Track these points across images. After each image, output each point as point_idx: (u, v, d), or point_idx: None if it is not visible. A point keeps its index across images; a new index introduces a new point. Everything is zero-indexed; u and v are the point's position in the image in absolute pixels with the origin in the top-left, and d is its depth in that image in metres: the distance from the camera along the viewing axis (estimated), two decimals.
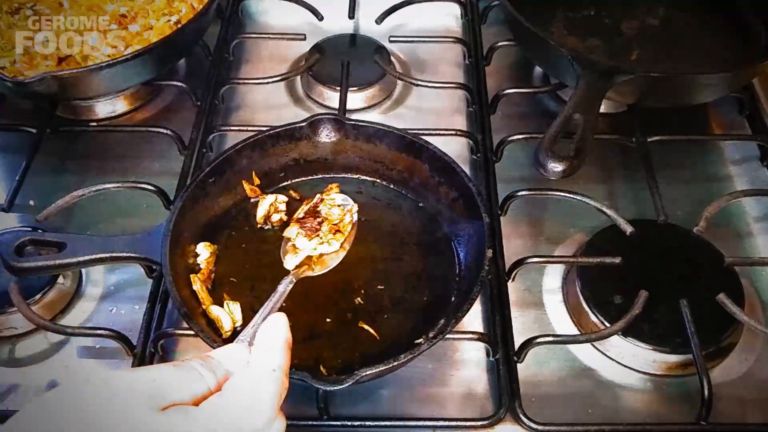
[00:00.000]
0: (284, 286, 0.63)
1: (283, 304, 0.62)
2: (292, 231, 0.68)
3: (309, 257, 0.69)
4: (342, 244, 0.70)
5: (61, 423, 0.41)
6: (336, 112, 0.92)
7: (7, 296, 0.72)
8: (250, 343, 0.54)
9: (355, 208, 0.74)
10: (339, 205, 0.74)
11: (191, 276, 0.72)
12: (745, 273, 0.80)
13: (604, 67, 0.82)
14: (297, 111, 1.00)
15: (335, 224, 0.70)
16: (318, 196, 0.73)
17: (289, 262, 0.68)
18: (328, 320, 0.71)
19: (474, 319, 0.77)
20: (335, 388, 0.59)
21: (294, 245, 0.68)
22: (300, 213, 0.70)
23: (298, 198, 0.82)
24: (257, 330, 0.54)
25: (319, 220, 0.70)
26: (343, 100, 0.93)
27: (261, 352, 0.52)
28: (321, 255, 0.69)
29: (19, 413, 0.42)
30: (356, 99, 0.99)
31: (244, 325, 0.70)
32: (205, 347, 0.64)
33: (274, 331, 0.53)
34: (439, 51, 1.08)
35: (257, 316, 0.57)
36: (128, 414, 0.43)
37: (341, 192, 0.76)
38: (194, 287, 0.71)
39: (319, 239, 0.69)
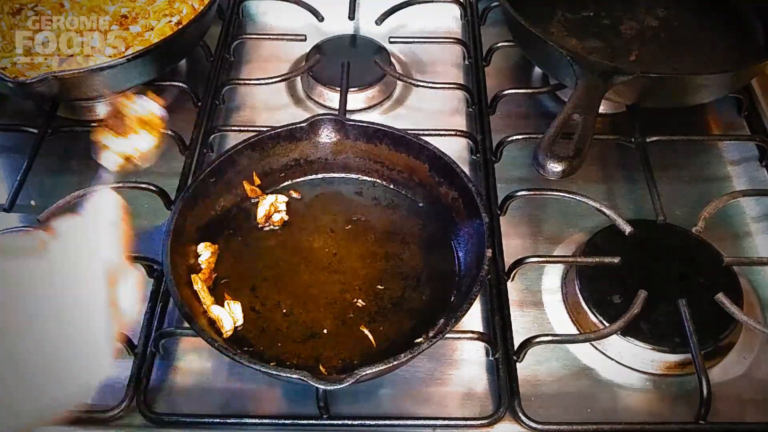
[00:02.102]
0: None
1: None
2: (98, 135, 0.61)
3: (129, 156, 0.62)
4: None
5: None
6: (336, 112, 0.92)
7: None
8: None
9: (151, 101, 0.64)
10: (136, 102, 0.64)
11: (192, 276, 0.72)
12: (743, 273, 0.80)
13: (603, 67, 0.83)
14: (297, 111, 1.00)
15: (141, 117, 0.62)
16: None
17: (108, 160, 0.61)
18: (328, 320, 0.72)
19: (473, 318, 0.77)
20: (335, 387, 0.60)
21: (105, 145, 0.61)
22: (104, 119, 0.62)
23: (298, 198, 0.83)
24: None
25: (126, 119, 0.62)
26: (343, 101, 0.93)
27: None
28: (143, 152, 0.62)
29: None
30: (356, 99, 0.99)
31: (246, 325, 0.71)
32: (206, 347, 0.64)
33: None
34: (439, 52, 1.08)
35: None
36: None
37: None
38: (195, 287, 0.71)
39: (131, 136, 0.62)
